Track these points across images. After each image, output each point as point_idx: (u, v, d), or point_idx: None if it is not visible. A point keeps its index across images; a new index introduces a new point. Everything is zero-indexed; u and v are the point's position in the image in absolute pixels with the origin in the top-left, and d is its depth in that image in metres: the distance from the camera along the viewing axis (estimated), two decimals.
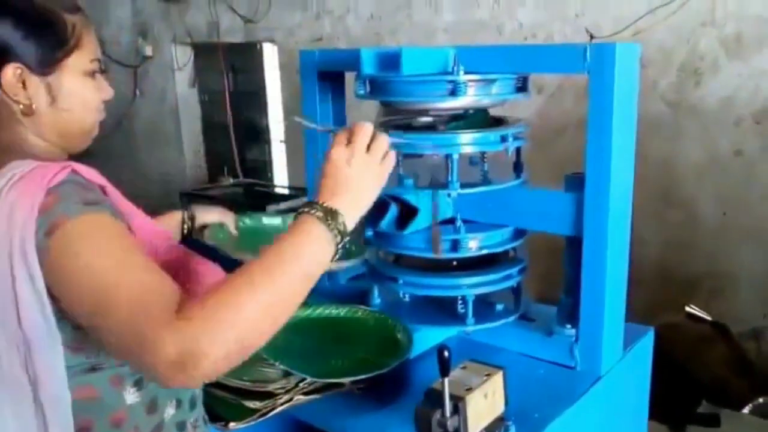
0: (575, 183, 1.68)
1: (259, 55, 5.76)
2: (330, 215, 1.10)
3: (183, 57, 6.21)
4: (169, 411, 1.22)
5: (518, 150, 1.87)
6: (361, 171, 1.17)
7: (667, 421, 2.55)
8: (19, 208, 1.00)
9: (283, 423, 1.60)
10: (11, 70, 1.08)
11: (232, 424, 1.44)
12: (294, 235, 1.08)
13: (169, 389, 1.20)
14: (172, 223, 1.65)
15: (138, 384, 1.16)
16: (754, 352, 3.16)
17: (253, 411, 1.47)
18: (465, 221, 1.84)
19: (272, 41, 5.38)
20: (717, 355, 2.86)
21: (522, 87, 1.80)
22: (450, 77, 1.69)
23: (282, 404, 1.47)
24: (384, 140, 1.22)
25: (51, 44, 1.11)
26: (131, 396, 1.16)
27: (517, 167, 1.89)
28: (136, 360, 0.99)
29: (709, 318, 2.99)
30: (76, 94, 1.15)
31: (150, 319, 0.93)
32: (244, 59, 5.87)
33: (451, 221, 1.85)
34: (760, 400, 2.68)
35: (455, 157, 1.73)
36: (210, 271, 1.27)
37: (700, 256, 3.40)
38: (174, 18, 5.96)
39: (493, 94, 1.74)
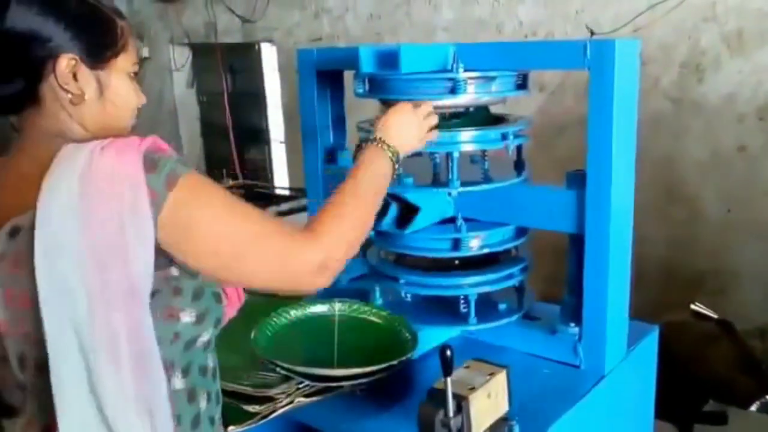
0: (577, 180, 1.67)
1: (258, 55, 5.75)
2: (385, 144, 1.46)
3: (181, 58, 6.20)
4: (203, 404, 1.23)
5: (519, 148, 1.86)
6: (406, 119, 1.53)
7: (673, 420, 2.53)
8: (121, 170, 1.05)
9: (284, 425, 1.59)
10: (65, 61, 1.12)
11: (231, 428, 1.43)
12: (364, 160, 1.42)
13: (205, 380, 1.22)
14: None
15: (185, 372, 1.18)
16: (760, 349, 3.14)
17: (253, 415, 1.46)
18: (466, 220, 1.82)
19: (270, 41, 5.37)
20: (723, 353, 2.84)
21: (522, 84, 1.79)
22: (449, 75, 1.68)
23: (282, 406, 1.46)
24: (428, 104, 1.61)
25: (104, 41, 1.17)
26: (179, 382, 1.17)
27: (519, 165, 1.88)
28: (281, 277, 1.17)
29: (714, 316, 2.97)
30: (121, 92, 1.21)
31: (291, 241, 1.16)
32: (242, 60, 5.85)
33: (452, 220, 1.83)
34: (767, 397, 2.66)
35: (456, 155, 1.72)
36: None
37: (705, 254, 3.38)
38: (171, 19, 5.95)
39: (493, 91, 1.73)
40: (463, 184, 1.74)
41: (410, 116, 1.54)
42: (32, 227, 1.04)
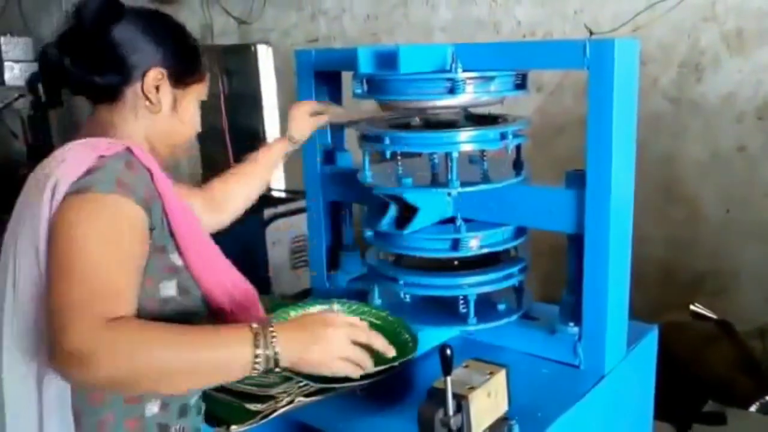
0: (576, 180, 1.66)
1: (254, 57, 5.72)
2: (266, 343, 1.13)
3: None
4: (152, 409, 1.26)
5: (518, 148, 1.85)
6: (334, 341, 1.23)
7: (672, 420, 2.53)
8: (69, 160, 1.17)
9: (285, 425, 1.58)
10: (155, 73, 1.31)
11: (233, 427, 1.42)
12: (226, 337, 1.14)
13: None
14: (272, 157, 1.92)
15: None
16: (760, 350, 3.13)
17: (255, 413, 1.45)
18: (465, 220, 1.82)
19: (267, 43, 5.36)
20: (722, 354, 2.84)
21: (521, 84, 1.79)
22: (448, 75, 1.68)
23: (284, 406, 1.45)
24: (364, 331, 1.30)
25: (189, 67, 1.38)
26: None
27: (518, 165, 1.88)
28: (50, 332, 1.06)
29: (714, 316, 2.97)
30: (190, 114, 1.41)
31: (81, 311, 1.03)
32: (238, 61, 5.83)
33: (451, 220, 1.83)
34: (767, 398, 2.66)
35: (455, 155, 1.71)
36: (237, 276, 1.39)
37: (704, 254, 3.37)
38: None
39: (492, 91, 1.73)
40: (463, 184, 1.73)
41: (341, 340, 1.24)
42: None
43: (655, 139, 3.35)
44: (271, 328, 1.14)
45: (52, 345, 1.04)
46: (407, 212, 1.77)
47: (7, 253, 1.20)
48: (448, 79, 1.68)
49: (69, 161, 1.16)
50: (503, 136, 1.73)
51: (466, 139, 1.71)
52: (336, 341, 1.22)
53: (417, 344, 1.62)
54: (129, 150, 1.21)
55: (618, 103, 1.56)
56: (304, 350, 1.18)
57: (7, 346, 1.19)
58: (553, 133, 3.52)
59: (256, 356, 1.11)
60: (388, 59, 1.67)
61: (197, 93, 1.41)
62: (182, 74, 1.35)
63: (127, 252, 1.14)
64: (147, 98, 1.31)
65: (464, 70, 1.67)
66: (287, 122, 1.88)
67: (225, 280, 1.35)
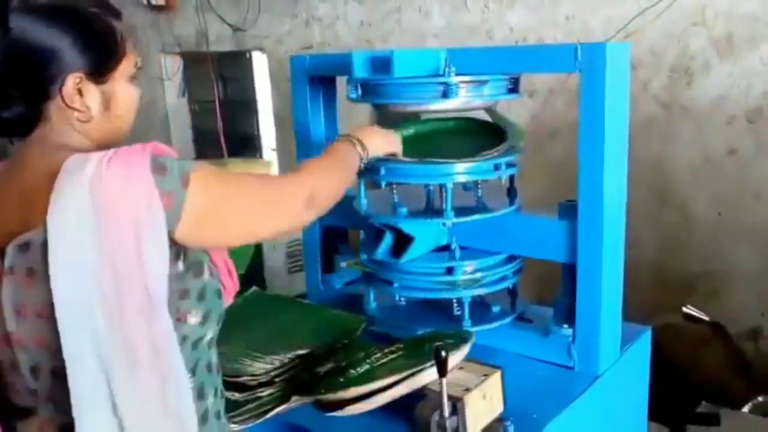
0: (569, 211, 1.69)
1: (249, 63, 5.75)
2: (352, 138, 1.56)
3: (172, 67, 6.19)
4: (211, 399, 1.24)
5: (511, 176, 1.86)
6: (375, 129, 1.65)
7: (666, 421, 2.54)
8: (132, 174, 1.05)
9: (277, 426, 1.59)
10: (71, 81, 1.13)
11: (233, 426, 1.44)
12: (335, 147, 1.53)
13: (211, 376, 1.24)
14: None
15: (193, 370, 1.18)
16: (752, 351, 3.16)
17: (235, 403, 1.48)
18: (460, 246, 1.84)
19: (261, 49, 5.37)
20: (715, 356, 2.86)
21: (513, 88, 1.80)
22: (441, 79, 1.69)
23: (276, 408, 1.47)
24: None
25: (106, 54, 1.18)
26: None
27: (511, 193, 1.88)
28: (283, 215, 1.28)
29: (706, 318, 2.99)
30: (126, 100, 1.23)
31: (284, 183, 1.32)
32: (233, 68, 5.85)
33: (446, 247, 1.85)
34: (760, 399, 2.67)
35: (449, 186, 1.72)
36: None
37: (696, 256, 3.39)
38: (162, 28, 5.94)
39: (485, 95, 1.74)
40: (458, 213, 1.75)
41: (378, 130, 1.65)
42: (44, 242, 1.04)
43: (647, 143, 3.37)
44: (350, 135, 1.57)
45: (298, 218, 1.30)
46: (403, 240, 1.78)
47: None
48: (442, 83, 1.69)
49: (135, 178, 1.06)
50: (497, 168, 1.74)
51: (460, 171, 1.72)
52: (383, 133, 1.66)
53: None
54: (155, 146, 1.13)
55: (610, 105, 1.58)
56: (374, 140, 1.60)
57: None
58: (545, 137, 3.53)
59: (358, 149, 1.55)
60: (382, 64, 1.68)
61: (125, 71, 1.22)
62: (102, 66, 1.17)
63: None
64: (73, 109, 1.15)
65: (457, 74, 1.69)
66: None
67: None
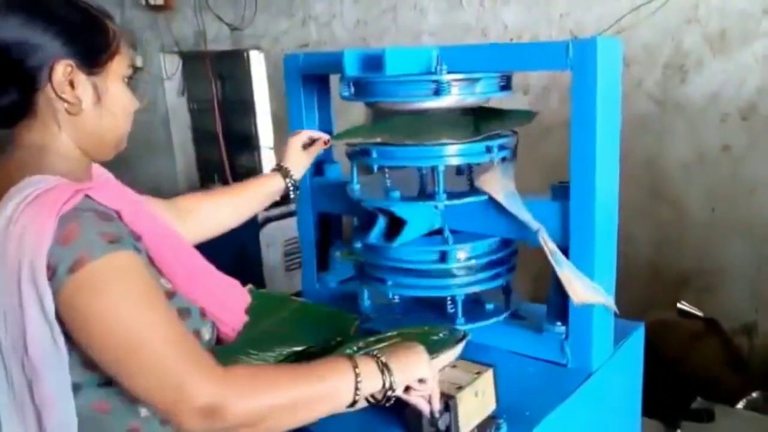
0: (561, 192, 1.68)
1: (246, 62, 5.76)
2: (387, 369, 1.24)
3: (171, 66, 6.20)
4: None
5: (504, 160, 1.86)
6: (418, 361, 1.31)
7: (660, 418, 2.55)
8: (29, 233, 0.99)
9: None
10: (62, 67, 1.09)
11: None
12: (327, 367, 1.20)
13: None
14: (263, 191, 1.74)
15: None
16: (746, 347, 3.17)
17: None
18: (453, 231, 1.84)
19: (259, 49, 5.38)
20: (709, 351, 2.86)
21: (506, 86, 1.80)
22: (433, 77, 1.69)
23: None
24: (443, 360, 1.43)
25: (99, 45, 1.14)
26: (144, 408, 1.14)
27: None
28: (161, 399, 1.03)
29: (700, 314, 2.99)
30: (118, 99, 1.18)
31: (190, 364, 1.02)
32: (231, 67, 5.86)
33: (439, 232, 1.85)
34: (754, 394, 2.68)
35: (441, 168, 1.73)
36: (232, 288, 1.31)
37: (690, 253, 3.40)
38: (161, 27, 5.95)
39: (477, 92, 1.74)
40: (450, 196, 1.75)
41: (424, 365, 1.32)
42: None
43: (641, 140, 3.38)
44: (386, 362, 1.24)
45: (172, 413, 1.02)
46: (396, 225, 1.78)
47: None
48: (434, 81, 1.69)
49: (30, 234, 0.99)
50: (489, 150, 1.74)
51: (451, 153, 1.72)
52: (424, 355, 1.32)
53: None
54: (87, 196, 1.05)
55: (602, 102, 1.57)
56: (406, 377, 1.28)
57: None
58: (539, 134, 3.54)
59: (357, 378, 1.19)
60: (374, 62, 1.69)
61: (118, 70, 1.17)
62: (94, 56, 1.13)
63: (160, 297, 1.07)
64: (63, 99, 1.10)
65: (449, 72, 1.69)
66: (282, 153, 1.79)
67: (218, 290, 1.27)
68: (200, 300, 1.20)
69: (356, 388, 1.18)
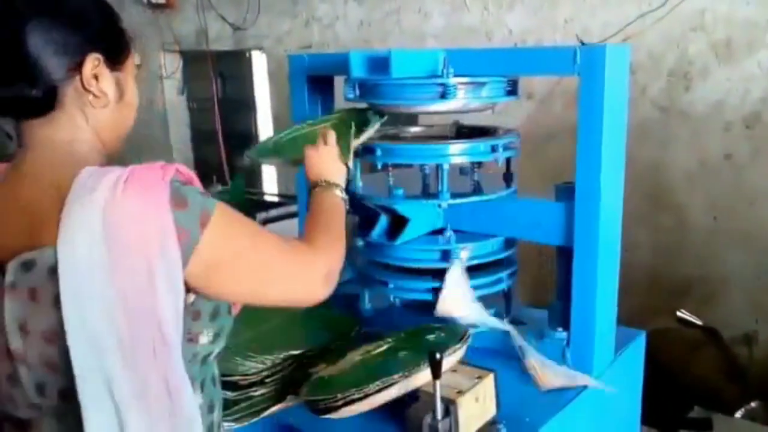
0: (566, 192, 1.68)
1: (248, 62, 5.75)
2: (325, 182, 1.53)
3: (171, 65, 6.19)
4: (216, 412, 1.24)
5: (508, 160, 1.86)
6: (326, 155, 1.58)
7: (659, 426, 2.54)
8: (148, 212, 1.00)
9: (272, 426, 1.59)
10: (91, 61, 1.11)
11: (226, 425, 1.43)
12: (319, 200, 1.50)
13: (216, 390, 1.24)
14: None
15: (202, 386, 1.18)
16: (746, 356, 3.16)
17: (227, 401, 1.48)
18: (455, 231, 1.83)
19: (261, 49, 5.38)
20: (708, 360, 2.86)
21: (512, 90, 1.80)
22: (440, 80, 1.69)
23: (270, 408, 1.46)
24: (327, 131, 1.62)
25: (121, 42, 1.19)
26: (198, 397, 1.16)
27: (508, 177, 1.89)
28: (297, 291, 1.24)
29: (700, 323, 2.99)
30: (134, 93, 1.23)
31: (303, 256, 1.24)
32: (232, 67, 5.86)
33: (440, 231, 1.84)
34: (752, 404, 2.68)
35: (445, 167, 1.73)
36: None
37: (691, 261, 3.40)
38: (162, 26, 5.94)
39: (483, 97, 1.74)
40: (453, 195, 1.75)
41: (327, 152, 1.59)
42: (52, 266, 0.99)
43: (644, 147, 3.38)
44: (322, 180, 1.54)
45: (309, 291, 1.24)
46: (398, 223, 1.78)
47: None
48: (440, 84, 1.69)
49: (150, 213, 1.01)
50: (494, 149, 1.74)
51: (457, 152, 1.72)
52: (333, 154, 1.59)
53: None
54: (177, 170, 1.11)
55: (608, 108, 1.57)
56: (336, 171, 1.57)
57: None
58: (543, 140, 3.54)
59: (337, 191, 1.52)
60: (380, 64, 1.68)
61: (131, 67, 1.22)
62: (116, 53, 1.17)
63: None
64: (90, 92, 1.12)
65: (456, 76, 1.68)
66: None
67: None
68: None
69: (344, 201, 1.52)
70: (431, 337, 1.66)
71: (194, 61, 6.05)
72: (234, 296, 1.18)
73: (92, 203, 0.99)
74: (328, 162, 1.58)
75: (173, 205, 1.02)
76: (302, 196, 2.19)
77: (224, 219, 1.09)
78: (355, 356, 1.61)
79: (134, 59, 1.22)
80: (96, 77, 1.12)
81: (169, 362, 1.03)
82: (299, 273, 1.23)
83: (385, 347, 1.65)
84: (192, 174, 1.14)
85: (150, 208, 1.00)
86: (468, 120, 1.96)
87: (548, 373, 1.68)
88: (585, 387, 1.66)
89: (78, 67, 1.10)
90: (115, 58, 1.16)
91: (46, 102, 1.11)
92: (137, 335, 1.00)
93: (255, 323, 1.80)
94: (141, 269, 0.99)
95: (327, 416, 1.45)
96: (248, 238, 1.15)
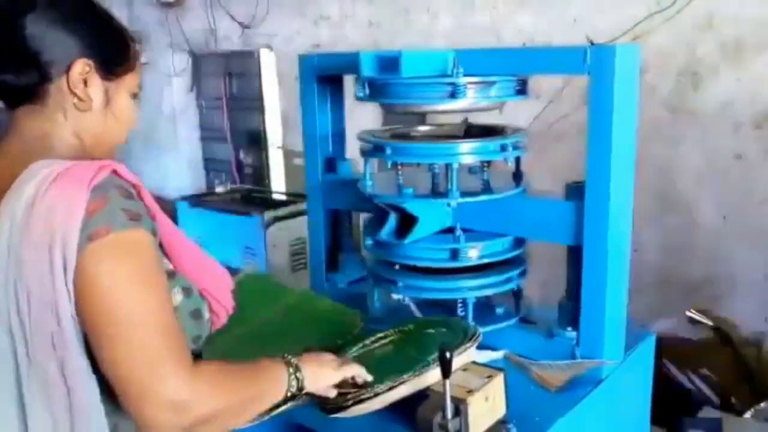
0: (575, 192, 1.68)
1: (257, 61, 5.76)
2: (297, 369, 1.32)
3: (180, 64, 6.20)
4: None
5: (518, 159, 1.87)
6: (329, 371, 1.41)
7: (668, 426, 2.54)
8: (60, 208, 1.03)
9: (281, 425, 1.59)
10: (81, 65, 1.15)
11: None
12: (273, 371, 1.30)
13: None
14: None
15: None
16: (755, 356, 3.15)
17: None
18: (465, 230, 1.83)
19: (270, 48, 5.38)
20: (717, 361, 2.85)
21: (521, 90, 1.80)
22: (449, 79, 1.69)
23: (280, 406, 1.46)
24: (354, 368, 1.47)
25: (119, 55, 1.22)
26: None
27: (517, 176, 1.89)
28: (136, 385, 1.05)
29: (709, 323, 2.98)
30: (126, 109, 1.25)
31: (171, 358, 1.05)
32: (241, 66, 5.87)
33: (450, 230, 1.84)
34: (762, 404, 2.67)
35: (455, 166, 1.73)
36: (221, 271, 1.33)
37: (700, 261, 3.39)
38: (171, 25, 5.95)
39: (493, 96, 1.74)
40: (462, 194, 1.75)
41: (333, 372, 1.42)
42: None
43: (653, 146, 3.36)
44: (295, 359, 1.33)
45: (141, 398, 1.04)
46: (407, 222, 1.78)
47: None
48: (450, 84, 1.69)
49: (62, 206, 1.03)
50: (503, 148, 1.74)
51: (466, 151, 1.72)
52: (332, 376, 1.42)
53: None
54: (113, 171, 1.09)
55: (618, 108, 1.57)
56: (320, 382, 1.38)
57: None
58: (552, 140, 3.53)
59: (290, 377, 1.30)
60: (390, 63, 1.68)
61: (129, 85, 1.25)
62: (111, 64, 1.20)
63: (164, 284, 1.11)
64: (74, 94, 1.16)
65: (465, 75, 1.68)
66: None
67: (212, 272, 1.30)
68: (200, 281, 1.24)
69: (288, 388, 1.30)
70: (431, 331, 1.67)
71: (203, 60, 6.07)
72: (91, 332, 1.06)
73: (22, 195, 1.04)
74: (326, 374, 1.41)
75: (87, 207, 1.03)
76: (311, 199, 2.19)
77: (119, 248, 1.05)
78: (355, 351, 1.64)
79: (134, 80, 1.26)
80: (85, 81, 1.17)
81: (67, 355, 1.05)
82: (152, 365, 1.04)
83: (386, 341, 1.68)
84: (135, 178, 1.13)
85: (63, 208, 1.03)
86: (475, 119, 1.96)
87: (554, 372, 1.67)
88: (594, 387, 1.67)
89: (67, 68, 1.15)
90: (108, 69, 1.20)
91: (27, 93, 1.16)
92: (37, 325, 1.04)
93: (254, 309, 1.80)
94: (44, 263, 1.02)
95: (336, 415, 1.45)
96: (134, 283, 1.06)
